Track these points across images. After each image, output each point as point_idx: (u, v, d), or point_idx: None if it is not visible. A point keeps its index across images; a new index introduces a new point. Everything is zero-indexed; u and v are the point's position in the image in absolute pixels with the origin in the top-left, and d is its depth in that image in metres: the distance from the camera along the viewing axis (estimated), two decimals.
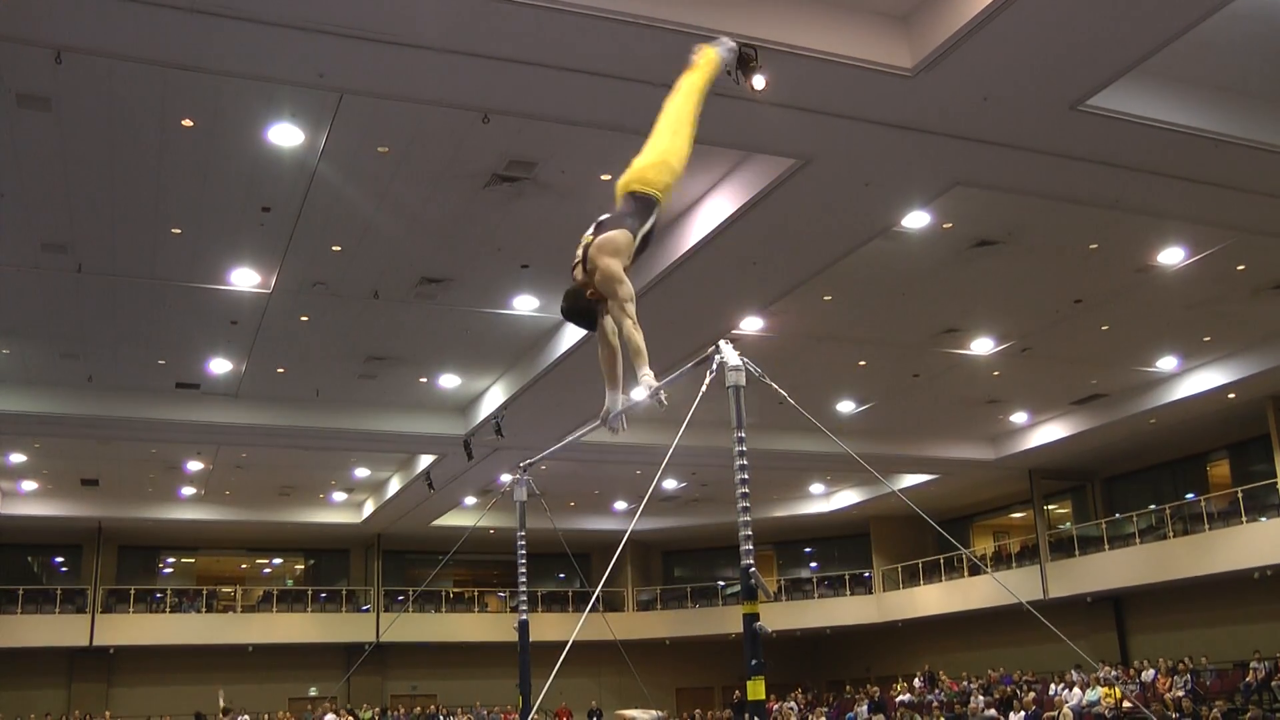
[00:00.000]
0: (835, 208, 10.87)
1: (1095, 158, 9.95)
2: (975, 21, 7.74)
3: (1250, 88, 9.79)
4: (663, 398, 4.69)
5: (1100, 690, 19.26)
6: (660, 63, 8.06)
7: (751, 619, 4.30)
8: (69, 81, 8.71)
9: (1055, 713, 19.33)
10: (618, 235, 4.66)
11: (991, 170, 10.22)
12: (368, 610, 27.64)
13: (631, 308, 4.60)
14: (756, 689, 4.28)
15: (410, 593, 27.37)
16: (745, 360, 4.72)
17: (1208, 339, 16.56)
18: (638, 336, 4.58)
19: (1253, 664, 18.15)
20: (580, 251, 4.70)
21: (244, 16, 7.39)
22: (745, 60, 7.81)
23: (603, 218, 4.79)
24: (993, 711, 20.74)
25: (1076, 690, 19.88)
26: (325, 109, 9.38)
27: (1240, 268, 13.69)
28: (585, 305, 4.74)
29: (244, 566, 30.09)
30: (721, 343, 4.78)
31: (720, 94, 8.29)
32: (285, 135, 9.80)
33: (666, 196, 4.87)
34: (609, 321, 4.79)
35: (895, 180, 10.46)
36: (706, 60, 5.26)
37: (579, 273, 4.70)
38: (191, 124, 9.57)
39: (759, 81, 7.84)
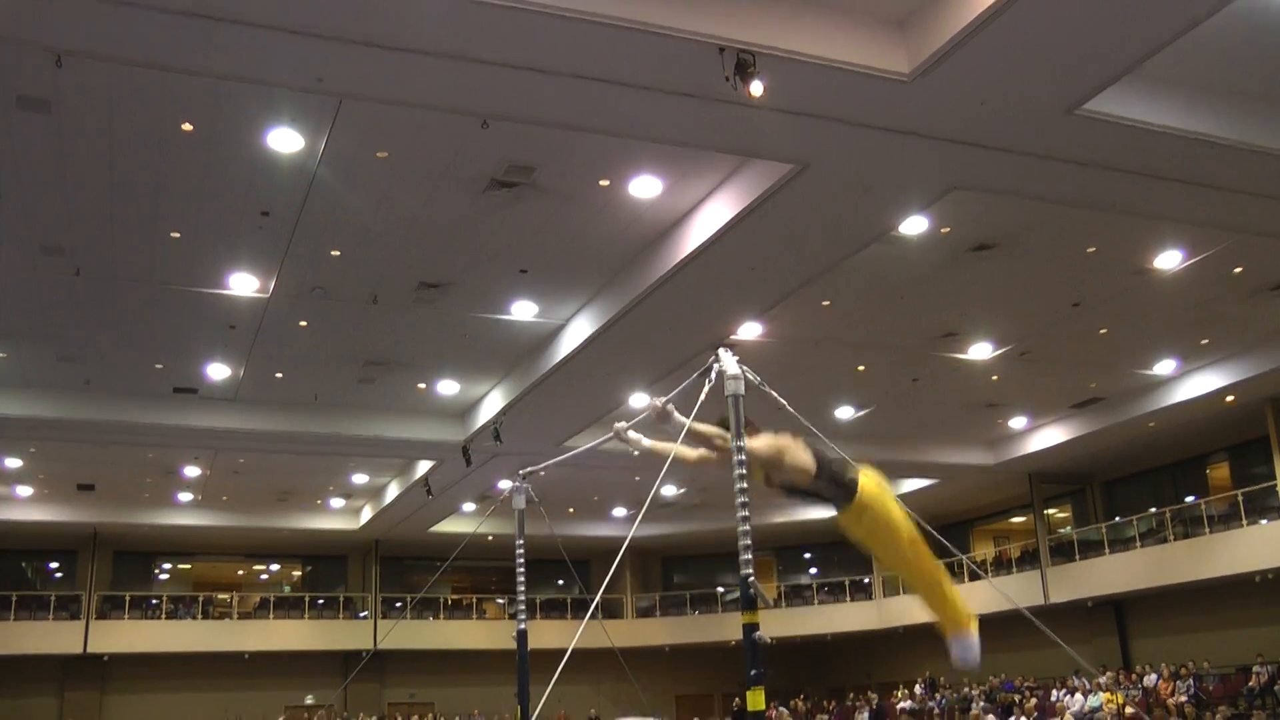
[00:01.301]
0: (833, 213, 10.86)
1: (1092, 161, 9.94)
2: (972, 26, 7.74)
3: (1246, 90, 9.79)
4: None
5: (1102, 696, 19.21)
6: (659, 68, 8.08)
7: (751, 629, 4.27)
8: (69, 84, 8.69)
9: (1057, 718, 19.28)
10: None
11: (989, 174, 10.21)
12: (365, 617, 27.56)
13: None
14: (756, 699, 4.26)
15: (408, 600, 27.24)
16: (744, 368, 4.71)
17: (1206, 341, 16.55)
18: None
19: (1255, 668, 18.10)
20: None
21: (244, 21, 7.38)
22: (743, 66, 7.82)
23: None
24: (993, 718, 20.68)
25: (1078, 696, 19.82)
26: (324, 113, 9.37)
27: (1238, 270, 13.69)
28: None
29: (241, 573, 29.93)
30: (721, 350, 4.76)
31: (718, 99, 8.35)
32: (284, 140, 9.78)
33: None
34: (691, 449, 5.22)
35: (893, 185, 10.44)
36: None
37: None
38: (191, 128, 9.56)
39: (757, 87, 7.84)
